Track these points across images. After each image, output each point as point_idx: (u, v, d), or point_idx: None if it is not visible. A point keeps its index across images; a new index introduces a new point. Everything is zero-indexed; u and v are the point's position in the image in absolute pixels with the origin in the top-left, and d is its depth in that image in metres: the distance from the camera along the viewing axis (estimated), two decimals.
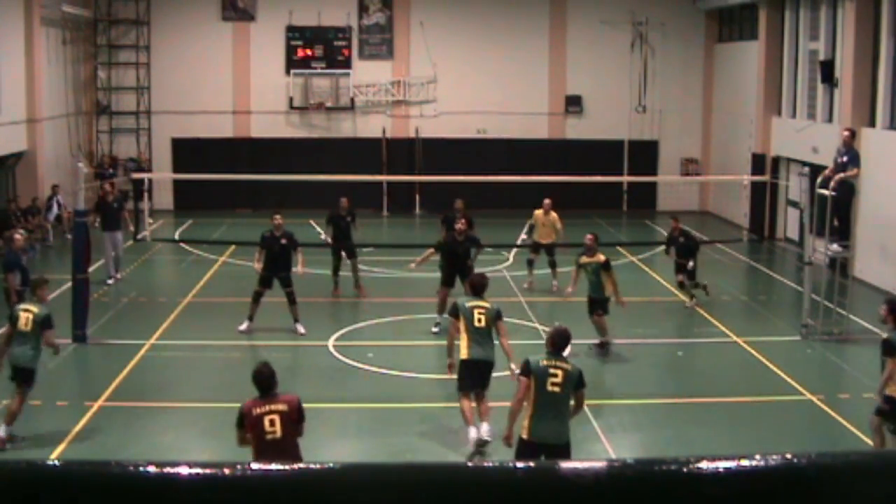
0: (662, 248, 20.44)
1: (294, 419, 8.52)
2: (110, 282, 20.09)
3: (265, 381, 8.62)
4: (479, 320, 11.43)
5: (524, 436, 9.13)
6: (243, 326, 16.76)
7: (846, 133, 17.46)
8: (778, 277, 22.87)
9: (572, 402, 9.28)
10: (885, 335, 11.06)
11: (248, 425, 8.51)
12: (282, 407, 8.48)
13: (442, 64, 31.16)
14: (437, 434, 12.42)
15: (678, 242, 19.45)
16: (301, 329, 16.70)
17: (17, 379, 11.64)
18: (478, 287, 11.82)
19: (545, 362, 9.17)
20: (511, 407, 9.38)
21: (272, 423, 8.43)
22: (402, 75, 31.41)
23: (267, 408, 8.47)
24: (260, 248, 16.94)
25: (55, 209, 25.63)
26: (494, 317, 11.51)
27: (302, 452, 8.56)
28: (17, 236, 16.11)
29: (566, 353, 9.67)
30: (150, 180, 27.62)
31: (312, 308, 19.05)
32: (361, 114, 31.49)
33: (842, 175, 16.66)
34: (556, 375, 9.09)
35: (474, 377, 11.50)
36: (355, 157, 30.30)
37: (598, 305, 15.68)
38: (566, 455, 9.13)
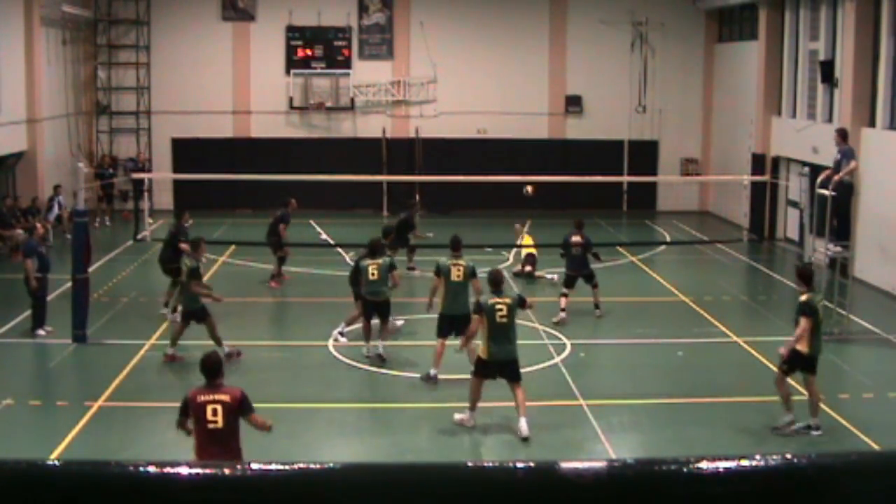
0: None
1: (235, 410, 8.58)
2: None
3: (211, 368, 8.78)
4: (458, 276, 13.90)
5: (483, 356, 11.84)
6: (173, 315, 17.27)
7: (836, 135, 17.59)
8: (778, 277, 22.87)
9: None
10: (802, 297, 12.36)
11: (191, 412, 8.61)
12: (225, 398, 8.58)
13: (442, 64, 31.16)
14: (437, 434, 12.43)
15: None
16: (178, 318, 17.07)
17: None
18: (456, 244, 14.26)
19: (491, 301, 11.84)
20: (468, 334, 12.28)
21: (214, 412, 8.53)
22: (402, 75, 31.41)
23: (211, 396, 8.59)
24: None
25: (56, 209, 25.64)
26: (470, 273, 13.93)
27: (242, 444, 8.73)
28: (38, 226, 17.71)
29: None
30: (149, 180, 27.64)
31: (312, 308, 19.08)
32: (361, 114, 31.49)
33: (841, 174, 16.68)
34: (501, 309, 11.72)
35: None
36: (355, 157, 30.29)
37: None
38: (516, 367, 11.90)
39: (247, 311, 18.99)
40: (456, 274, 13.47)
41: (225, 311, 18.47)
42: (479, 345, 12.10)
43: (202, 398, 8.58)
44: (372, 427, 12.71)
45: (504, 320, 11.77)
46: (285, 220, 21.06)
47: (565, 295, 17.90)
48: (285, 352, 15.90)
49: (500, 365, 11.85)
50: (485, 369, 11.98)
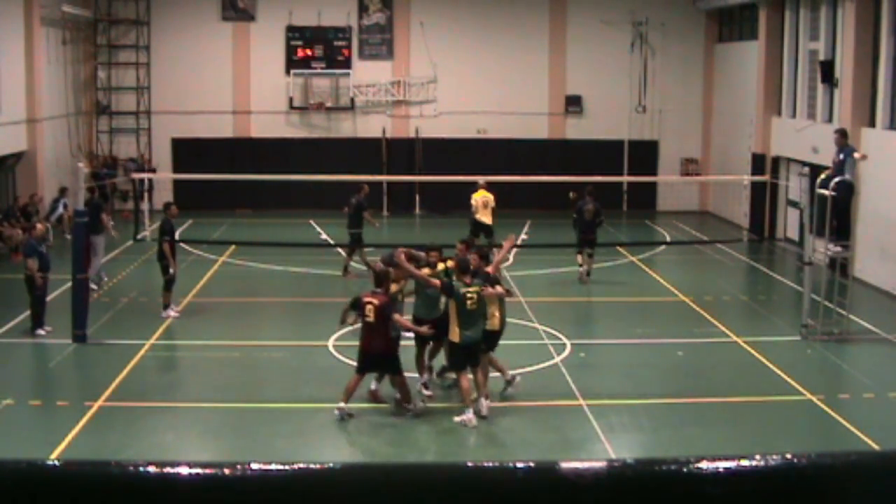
0: (662, 246, 20.91)
1: (381, 311, 12.21)
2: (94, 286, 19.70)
3: (377, 278, 12.73)
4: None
5: (455, 340, 12.41)
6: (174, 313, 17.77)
7: (836, 135, 17.64)
8: (778, 277, 22.87)
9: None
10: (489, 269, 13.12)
11: (359, 307, 12.43)
12: (376, 301, 12.30)
13: (442, 64, 31.16)
14: (437, 434, 12.43)
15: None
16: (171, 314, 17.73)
17: None
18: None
19: (462, 290, 12.35)
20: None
21: (369, 310, 12.27)
22: (402, 75, 31.41)
23: (369, 299, 12.38)
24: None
25: (59, 210, 25.64)
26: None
27: (390, 334, 12.39)
28: (38, 225, 17.54)
29: None
30: (150, 180, 27.61)
31: (312, 308, 19.08)
32: (361, 114, 31.48)
33: (857, 155, 16.95)
34: (472, 297, 12.34)
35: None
36: (355, 157, 30.28)
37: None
38: (478, 350, 12.53)
39: (247, 311, 18.99)
40: (471, 302, 12.26)
41: (225, 311, 18.49)
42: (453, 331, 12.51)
43: (365, 299, 12.38)
44: (372, 427, 12.70)
45: (474, 307, 12.40)
46: (364, 206, 21.44)
47: (581, 253, 21.17)
48: (285, 352, 15.89)
49: (470, 346, 12.44)
50: (459, 354, 12.49)
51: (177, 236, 24.88)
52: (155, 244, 24.07)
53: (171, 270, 17.66)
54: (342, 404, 12.46)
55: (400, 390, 12.73)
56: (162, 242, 17.83)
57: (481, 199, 21.87)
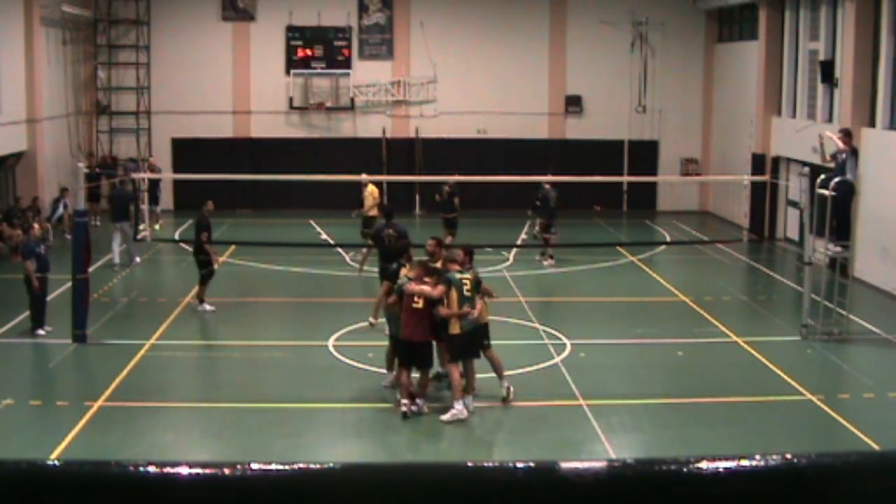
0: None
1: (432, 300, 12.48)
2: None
3: (429, 269, 12.84)
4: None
5: (456, 331, 12.57)
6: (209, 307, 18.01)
7: (839, 134, 17.61)
8: (778, 277, 22.87)
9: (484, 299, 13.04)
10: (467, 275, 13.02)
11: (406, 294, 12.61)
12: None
13: (442, 64, 31.16)
14: (436, 434, 12.43)
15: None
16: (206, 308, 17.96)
17: None
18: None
19: (458, 276, 12.70)
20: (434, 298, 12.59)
21: (419, 298, 12.44)
22: (402, 75, 31.40)
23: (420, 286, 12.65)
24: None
25: (60, 210, 25.64)
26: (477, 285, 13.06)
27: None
28: (36, 226, 17.74)
29: None
30: (151, 181, 27.58)
31: (312, 308, 19.08)
32: (361, 114, 31.48)
33: (829, 134, 16.87)
34: (466, 284, 12.69)
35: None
36: (355, 157, 30.27)
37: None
38: (482, 331, 12.95)
39: (247, 311, 18.99)
40: (466, 288, 12.66)
41: (225, 311, 18.49)
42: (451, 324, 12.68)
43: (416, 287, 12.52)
44: (372, 427, 12.71)
45: (469, 294, 12.69)
46: (456, 193, 22.60)
47: (547, 241, 22.72)
48: (285, 352, 15.90)
49: (470, 335, 12.69)
50: (461, 343, 12.68)
51: (176, 236, 24.92)
52: (155, 244, 24.19)
53: (214, 266, 18.10)
54: (404, 401, 12.66)
55: (420, 384, 12.81)
56: (199, 238, 18.04)
57: (371, 194, 22.58)
